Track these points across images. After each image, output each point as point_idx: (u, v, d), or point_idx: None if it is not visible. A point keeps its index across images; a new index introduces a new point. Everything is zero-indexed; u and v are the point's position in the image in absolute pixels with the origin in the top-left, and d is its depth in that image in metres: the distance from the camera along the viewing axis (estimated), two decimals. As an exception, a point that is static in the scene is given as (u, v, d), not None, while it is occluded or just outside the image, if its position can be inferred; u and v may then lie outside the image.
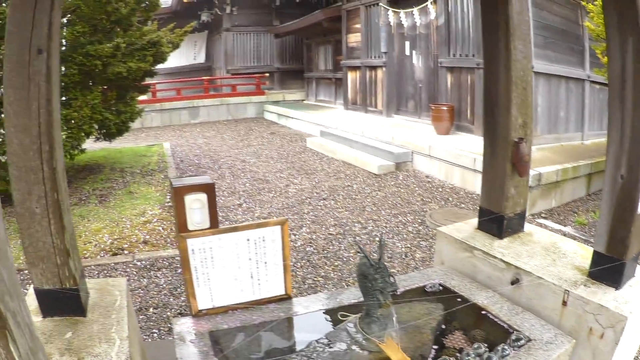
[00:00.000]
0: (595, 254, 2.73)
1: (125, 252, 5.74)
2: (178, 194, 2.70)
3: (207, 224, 2.76)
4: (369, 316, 2.43)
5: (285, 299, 2.89)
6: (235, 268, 2.73)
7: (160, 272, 5.18)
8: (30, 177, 2.28)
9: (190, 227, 2.72)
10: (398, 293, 2.60)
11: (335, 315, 2.67)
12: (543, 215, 6.74)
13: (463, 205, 7.05)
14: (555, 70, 8.83)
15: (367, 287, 2.33)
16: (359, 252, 5.48)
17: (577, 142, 9.46)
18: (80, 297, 2.45)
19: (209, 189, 2.79)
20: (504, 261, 3.05)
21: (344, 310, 2.70)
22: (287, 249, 2.80)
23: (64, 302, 2.42)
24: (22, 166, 2.27)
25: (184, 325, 2.63)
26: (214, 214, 2.79)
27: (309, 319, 2.75)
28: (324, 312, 2.78)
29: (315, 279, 5.04)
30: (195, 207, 2.73)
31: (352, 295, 2.90)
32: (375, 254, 2.39)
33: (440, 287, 3.06)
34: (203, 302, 2.72)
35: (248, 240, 2.71)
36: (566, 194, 7.41)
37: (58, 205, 2.32)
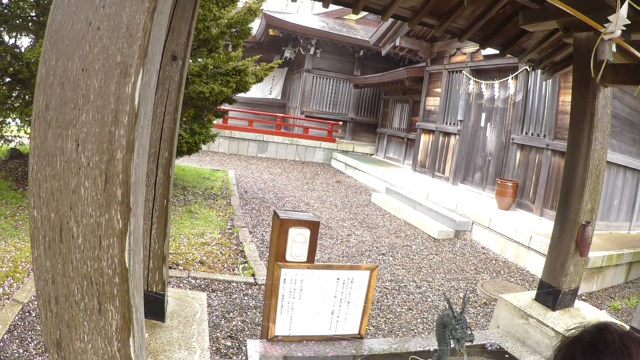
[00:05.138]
0: (632, 329, 3.13)
1: (180, 267, 5.80)
2: (283, 226, 2.81)
3: (304, 258, 2.88)
4: (440, 363, 2.55)
5: (358, 338, 2.97)
6: (319, 302, 2.85)
7: (214, 294, 5.25)
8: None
9: (288, 258, 2.82)
10: (472, 343, 2.78)
11: (405, 358, 2.76)
12: (583, 297, 6.75)
13: (512, 280, 7.10)
14: (617, 159, 8.86)
15: (444, 336, 2.44)
16: (411, 309, 5.73)
17: (624, 232, 9.52)
18: (164, 302, 2.55)
19: (313, 227, 2.91)
20: (554, 330, 3.39)
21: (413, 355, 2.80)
22: (371, 293, 2.90)
23: (147, 305, 2.51)
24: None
25: (259, 347, 2.71)
26: (312, 250, 2.94)
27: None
28: (394, 356, 2.96)
29: (367, 328, 5.06)
30: (298, 241, 2.86)
31: (419, 343, 3.10)
32: (457, 308, 2.46)
33: (498, 347, 3.37)
34: (281, 328, 2.82)
35: (338, 279, 2.83)
36: (607, 279, 7.54)
37: (165, 212, 2.44)
